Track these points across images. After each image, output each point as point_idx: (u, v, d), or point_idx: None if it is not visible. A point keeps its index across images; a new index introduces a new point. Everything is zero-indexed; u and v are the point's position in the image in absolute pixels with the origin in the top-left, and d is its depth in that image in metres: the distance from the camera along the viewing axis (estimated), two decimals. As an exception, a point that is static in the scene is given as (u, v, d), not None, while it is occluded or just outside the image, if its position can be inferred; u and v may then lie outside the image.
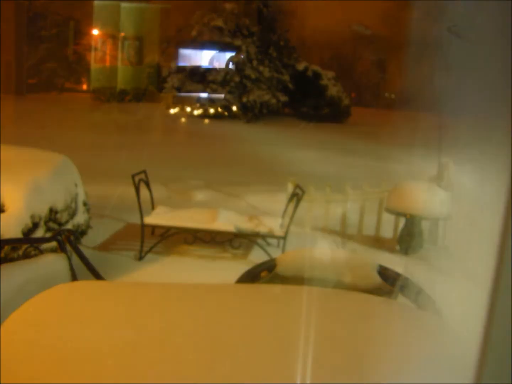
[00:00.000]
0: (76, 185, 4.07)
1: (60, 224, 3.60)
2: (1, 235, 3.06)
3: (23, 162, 3.70)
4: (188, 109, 21.34)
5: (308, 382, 1.06)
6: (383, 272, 1.87)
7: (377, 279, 1.94)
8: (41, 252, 2.80)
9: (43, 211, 3.41)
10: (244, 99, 20.34)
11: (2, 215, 3.14)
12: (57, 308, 1.37)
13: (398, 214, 5.03)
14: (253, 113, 20.31)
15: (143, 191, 4.62)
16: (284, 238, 4.42)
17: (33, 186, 3.39)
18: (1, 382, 1.04)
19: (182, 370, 1.11)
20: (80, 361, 1.13)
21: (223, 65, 20.87)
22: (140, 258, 4.37)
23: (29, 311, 1.34)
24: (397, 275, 1.86)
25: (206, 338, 1.23)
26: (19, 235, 3.17)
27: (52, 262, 2.28)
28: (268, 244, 4.86)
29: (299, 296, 1.46)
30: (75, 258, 2.36)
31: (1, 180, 3.24)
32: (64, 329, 1.26)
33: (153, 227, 4.69)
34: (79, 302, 1.40)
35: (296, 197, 4.53)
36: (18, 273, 2.14)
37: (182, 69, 21.68)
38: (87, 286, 1.54)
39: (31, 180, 3.42)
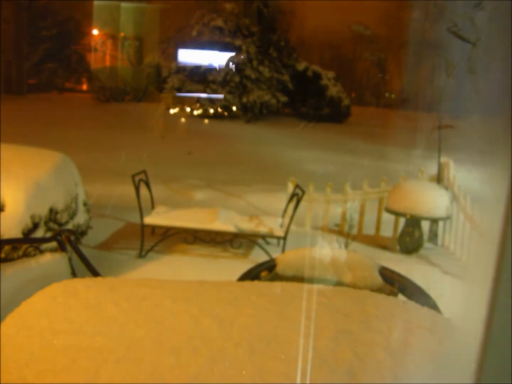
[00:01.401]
0: (76, 184, 4.07)
1: (60, 225, 3.60)
2: (1, 235, 3.07)
3: (23, 161, 3.69)
4: (188, 109, 21.35)
5: (309, 380, 1.06)
6: (385, 273, 1.87)
7: (379, 280, 1.93)
8: (41, 252, 2.80)
9: (43, 211, 3.41)
10: (244, 99, 20.34)
11: (2, 215, 3.14)
12: (55, 305, 1.37)
13: (398, 214, 5.03)
14: (253, 113, 20.31)
15: (144, 190, 4.63)
16: (284, 238, 4.42)
17: (33, 186, 3.39)
18: (1, 382, 1.04)
19: (183, 366, 1.11)
20: (79, 358, 1.13)
21: (223, 65, 20.87)
22: (140, 256, 4.39)
23: (28, 309, 1.34)
24: (399, 276, 1.86)
25: (204, 335, 1.23)
26: (19, 235, 3.17)
27: (53, 262, 2.28)
28: (268, 243, 4.86)
29: (303, 293, 1.46)
30: (74, 258, 2.36)
31: (1, 179, 3.24)
32: (63, 326, 1.25)
33: (153, 227, 4.70)
34: (77, 299, 1.40)
35: (296, 197, 4.53)
36: (18, 273, 2.14)
37: (182, 69, 21.67)
38: (84, 283, 1.53)
39: (31, 180, 3.42)
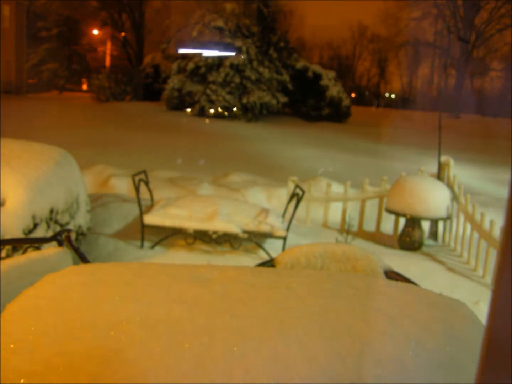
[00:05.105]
0: (77, 183, 4.03)
1: (61, 226, 3.59)
2: (1, 234, 3.07)
3: (23, 157, 3.60)
4: (188, 109, 21.36)
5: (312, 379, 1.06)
6: (390, 276, 1.85)
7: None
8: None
9: (44, 212, 3.40)
10: (244, 100, 20.35)
11: (3, 215, 3.13)
12: (55, 293, 1.37)
13: (398, 214, 5.03)
14: (253, 114, 20.32)
15: (152, 184, 4.64)
16: (284, 238, 4.42)
17: (34, 184, 3.36)
18: (1, 369, 1.03)
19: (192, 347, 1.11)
20: (81, 342, 1.13)
21: (223, 66, 20.88)
22: (142, 246, 4.49)
23: (31, 294, 1.34)
24: (404, 279, 1.84)
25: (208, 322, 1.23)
26: (20, 235, 3.17)
27: (54, 258, 2.28)
28: (268, 242, 4.86)
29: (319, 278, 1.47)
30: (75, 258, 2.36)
31: (2, 173, 3.21)
32: (62, 314, 1.25)
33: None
34: (77, 287, 1.39)
35: (296, 196, 4.54)
36: (19, 270, 2.14)
37: (182, 70, 21.68)
38: (85, 269, 1.52)
39: (32, 178, 3.38)
